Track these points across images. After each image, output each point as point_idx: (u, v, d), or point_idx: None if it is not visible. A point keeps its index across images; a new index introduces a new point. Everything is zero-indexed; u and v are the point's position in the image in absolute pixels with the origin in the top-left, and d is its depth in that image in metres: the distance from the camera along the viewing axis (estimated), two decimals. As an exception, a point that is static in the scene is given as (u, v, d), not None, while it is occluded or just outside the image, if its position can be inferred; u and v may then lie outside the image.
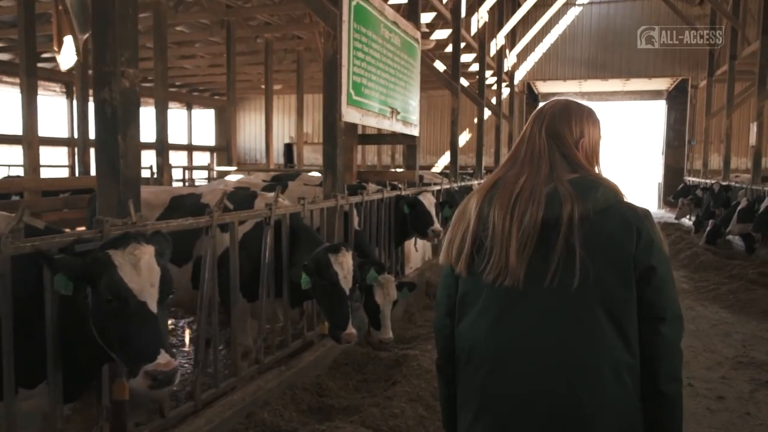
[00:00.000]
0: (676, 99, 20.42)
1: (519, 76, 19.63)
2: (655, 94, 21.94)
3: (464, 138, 20.85)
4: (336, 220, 5.12)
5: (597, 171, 1.72)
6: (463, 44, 12.67)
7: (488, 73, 16.35)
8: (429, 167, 19.20)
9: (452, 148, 10.30)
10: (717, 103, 16.57)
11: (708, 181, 14.32)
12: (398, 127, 6.92)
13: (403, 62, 7.00)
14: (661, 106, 21.60)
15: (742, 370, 5.19)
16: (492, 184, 1.69)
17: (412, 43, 7.37)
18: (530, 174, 1.64)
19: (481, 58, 13.04)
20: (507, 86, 18.45)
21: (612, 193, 1.62)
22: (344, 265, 3.86)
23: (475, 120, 13.13)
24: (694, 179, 16.45)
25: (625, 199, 1.65)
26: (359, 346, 5.25)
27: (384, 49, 6.30)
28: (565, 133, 1.69)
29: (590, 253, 1.54)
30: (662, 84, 20.69)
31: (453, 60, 10.44)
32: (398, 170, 10.08)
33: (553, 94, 19.35)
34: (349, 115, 5.46)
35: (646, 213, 1.63)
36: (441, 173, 12.77)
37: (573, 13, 19.36)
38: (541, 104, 1.83)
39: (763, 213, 9.13)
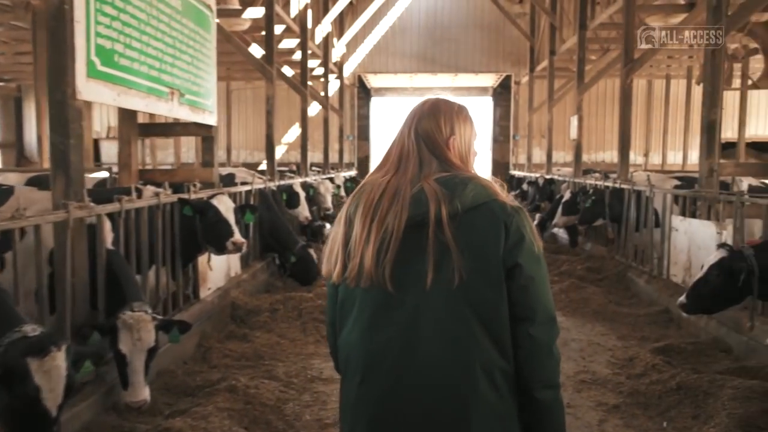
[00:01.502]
0: (500, 95, 20.94)
1: (349, 68, 18.80)
2: (482, 90, 22.39)
3: (295, 132, 19.59)
4: (69, 240, 3.60)
5: (471, 169, 1.69)
6: (283, 27, 11.41)
7: (315, 63, 15.25)
8: (256, 164, 17.66)
9: (268, 141, 9.00)
10: (538, 98, 17.06)
11: (533, 174, 14.54)
12: (183, 113, 5.47)
13: (188, 31, 5.55)
14: (488, 102, 22.07)
15: (586, 391, 4.55)
16: (360, 188, 1.68)
17: (203, 11, 5.93)
18: (396, 174, 1.62)
19: (303, 44, 11.85)
20: (337, 78, 17.51)
21: (484, 190, 1.58)
22: (53, 373, 2.38)
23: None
24: (519, 173, 16.79)
25: (499, 197, 1.59)
26: (114, 413, 3.79)
27: (154, 10, 4.82)
28: (435, 131, 1.65)
29: (461, 253, 1.51)
30: (488, 80, 21.12)
31: (267, 41, 9.12)
32: (198, 168, 8.55)
33: (386, 89, 18.82)
34: (93, 91, 3.93)
35: (517, 209, 1.59)
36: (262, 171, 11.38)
37: (402, 4, 18.92)
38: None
39: (589, 205, 9.05)
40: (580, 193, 9.68)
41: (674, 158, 18.01)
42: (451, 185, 1.56)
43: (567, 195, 9.96)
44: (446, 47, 19.08)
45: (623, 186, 8.43)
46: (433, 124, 1.64)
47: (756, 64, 12.56)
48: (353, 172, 17.15)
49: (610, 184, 8.98)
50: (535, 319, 1.55)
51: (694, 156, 17.78)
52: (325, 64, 14.64)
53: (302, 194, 8.79)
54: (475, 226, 1.53)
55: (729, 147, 17.89)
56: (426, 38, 19.17)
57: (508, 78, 19.93)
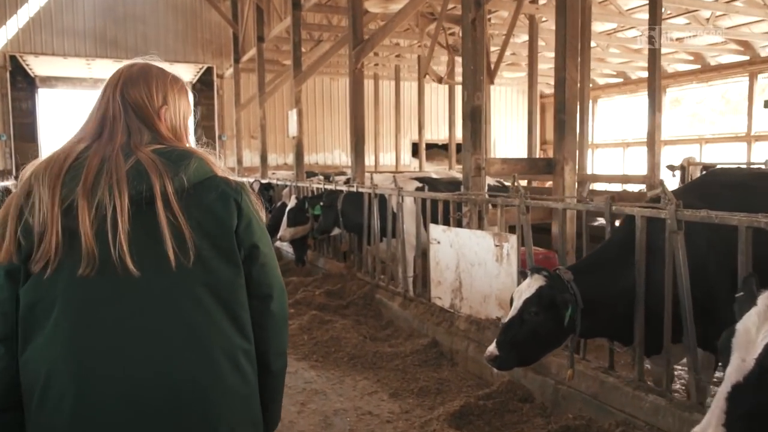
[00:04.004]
0: (201, 92, 18.40)
1: (-5, 44, 14.30)
2: (179, 85, 19.59)
3: None
4: None
5: (187, 145, 1.56)
6: None
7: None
8: None
9: None
10: (246, 93, 15.17)
11: (246, 179, 12.63)
12: None
13: None
14: (187, 99, 19.39)
15: None
16: (45, 161, 1.40)
17: None
18: (99, 141, 1.41)
19: None
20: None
21: (206, 165, 1.47)
22: None
23: None
24: (229, 178, 14.68)
25: (220, 172, 1.50)
26: None
27: None
28: (145, 97, 1.48)
29: (192, 232, 1.38)
30: (187, 73, 18.39)
31: None
32: None
33: (56, 79, 14.61)
34: None
35: (242, 185, 1.53)
36: None
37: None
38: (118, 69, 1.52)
39: (317, 212, 7.53)
40: (308, 199, 8.12)
41: (385, 159, 17.96)
42: (172, 158, 1.41)
43: (292, 202, 8.32)
44: (132, 29, 15.87)
45: (362, 190, 7.07)
46: (144, 90, 1.48)
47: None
48: (9, 183, 12.87)
49: (345, 188, 7.58)
50: (274, 296, 1.52)
51: (404, 157, 17.99)
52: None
53: None
54: (204, 202, 1.41)
55: (430, 148, 18.69)
56: (105, 15, 15.66)
57: (209, 71, 17.59)
